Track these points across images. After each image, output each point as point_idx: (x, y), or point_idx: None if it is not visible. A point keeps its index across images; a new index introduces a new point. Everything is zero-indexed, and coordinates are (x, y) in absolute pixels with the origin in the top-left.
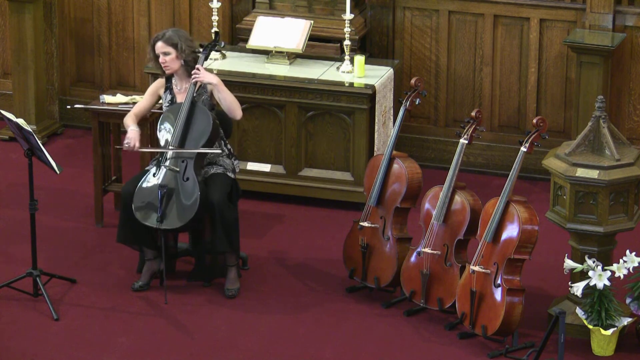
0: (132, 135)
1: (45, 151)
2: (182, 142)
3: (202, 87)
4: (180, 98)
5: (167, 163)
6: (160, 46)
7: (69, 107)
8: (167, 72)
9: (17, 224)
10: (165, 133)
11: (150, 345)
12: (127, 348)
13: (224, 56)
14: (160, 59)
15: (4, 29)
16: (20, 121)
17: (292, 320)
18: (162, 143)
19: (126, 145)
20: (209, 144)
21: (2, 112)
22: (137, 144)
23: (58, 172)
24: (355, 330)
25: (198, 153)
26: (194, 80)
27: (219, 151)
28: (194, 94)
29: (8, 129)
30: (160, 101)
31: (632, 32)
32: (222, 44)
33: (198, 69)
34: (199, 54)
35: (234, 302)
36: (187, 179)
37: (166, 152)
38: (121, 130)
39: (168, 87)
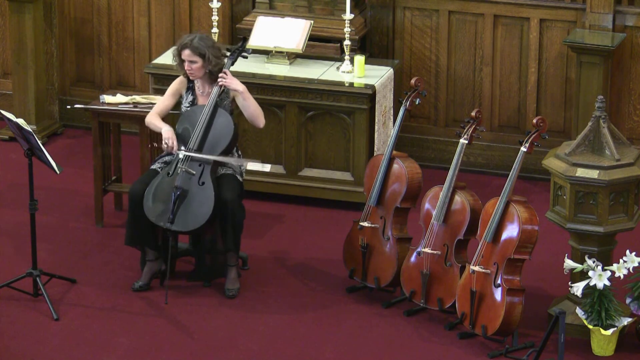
0: (170, 135)
1: (45, 151)
2: (201, 145)
3: (225, 92)
4: (201, 100)
5: (184, 165)
6: (187, 54)
7: (69, 107)
8: (191, 78)
9: (17, 224)
10: (184, 134)
11: (150, 345)
12: (127, 348)
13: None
14: (186, 66)
15: (4, 29)
16: (20, 121)
17: (292, 320)
18: (180, 144)
19: (165, 144)
20: (228, 149)
21: (2, 112)
22: (176, 144)
23: (58, 172)
24: (355, 330)
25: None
26: (220, 83)
27: (233, 161)
28: (217, 98)
29: (8, 129)
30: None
31: (632, 32)
32: (250, 50)
33: (225, 74)
34: (225, 59)
35: (234, 302)
36: (203, 183)
37: (182, 154)
38: (122, 130)
39: (190, 88)
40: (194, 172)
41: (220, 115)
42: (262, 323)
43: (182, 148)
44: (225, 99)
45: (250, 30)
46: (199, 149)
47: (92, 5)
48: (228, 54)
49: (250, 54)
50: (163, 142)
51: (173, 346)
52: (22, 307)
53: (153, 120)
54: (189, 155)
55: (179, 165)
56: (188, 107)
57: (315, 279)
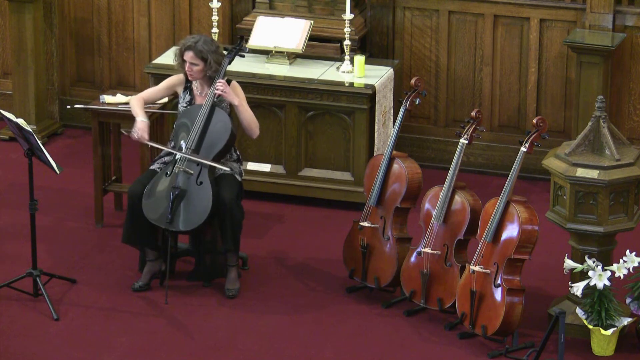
0: (142, 126)
1: (45, 151)
2: (198, 145)
3: None
4: (199, 100)
5: (182, 165)
6: (190, 56)
7: (69, 107)
8: (190, 79)
9: (17, 224)
10: (182, 134)
11: (150, 345)
12: (127, 348)
13: None
14: (187, 67)
15: (4, 29)
16: (20, 121)
17: (292, 320)
18: (177, 144)
19: (134, 135)
20: (226, 150)
21: (2, 112)
22: (146, 136)
23: (58, 172)
24: (355, 330)
25: (213, 157)
26: (217, 93)
27: (227, 169)
28: (215, 99)
29: (8, 129)
30: (177, 99)
31: (632, 32)
32: (247, 49)
33: (223, 86)
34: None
35: (234, 302)
36: (201, 183)
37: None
38: (121, 130)
39: (188, 87)
40: (192, 172)
41: (218, 115)
42: (262, 323)
43: (183, 145)
44: (224, 101)
45: (250, 30)
46: (197, 149)
47: (92, 5)
48: (225, 53)
49: (247, 53)
50: (133, 131)
51: (173, 346)
52: (22, 307)
53: (135, 105)
54: (186, 156)
55: (176, 165)
56: (185, 106)
57: (315, 279)
